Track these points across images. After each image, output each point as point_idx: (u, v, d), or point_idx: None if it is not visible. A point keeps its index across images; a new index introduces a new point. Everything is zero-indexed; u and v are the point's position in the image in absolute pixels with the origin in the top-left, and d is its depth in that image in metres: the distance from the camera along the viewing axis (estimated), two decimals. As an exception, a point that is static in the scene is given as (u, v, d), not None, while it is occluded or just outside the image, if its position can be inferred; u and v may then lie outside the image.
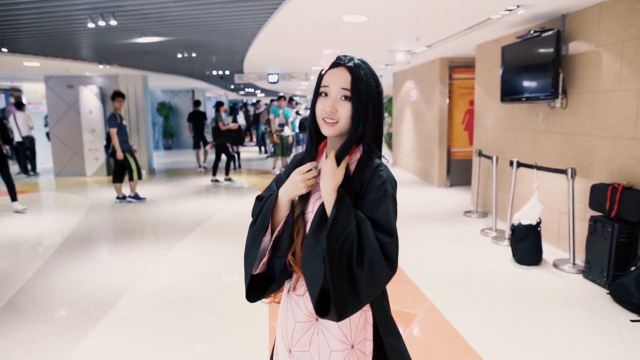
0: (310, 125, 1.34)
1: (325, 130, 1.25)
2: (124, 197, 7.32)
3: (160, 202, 7.40)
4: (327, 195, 1.19)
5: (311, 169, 1.24)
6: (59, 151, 10.63)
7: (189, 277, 4.10)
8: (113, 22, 4.66)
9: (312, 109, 1.30)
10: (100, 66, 8.64)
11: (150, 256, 4.67)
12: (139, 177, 7.20)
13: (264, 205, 1.31)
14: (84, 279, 4.07)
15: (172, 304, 3.51)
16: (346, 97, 1.23)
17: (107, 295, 3.68)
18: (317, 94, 1.27)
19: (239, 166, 11.46)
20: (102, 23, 4.64)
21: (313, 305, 1.15)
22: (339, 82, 1.23)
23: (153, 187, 8.98)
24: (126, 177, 7.22)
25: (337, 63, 1.24)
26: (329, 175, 1.20)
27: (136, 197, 7.38)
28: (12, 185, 6.60)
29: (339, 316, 1.12)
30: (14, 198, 6.66)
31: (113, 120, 6.86)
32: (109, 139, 6.97)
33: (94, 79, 10.56)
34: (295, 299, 1.32)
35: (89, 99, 10.29)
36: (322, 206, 1.21)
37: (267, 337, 2.96)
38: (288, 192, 1.26)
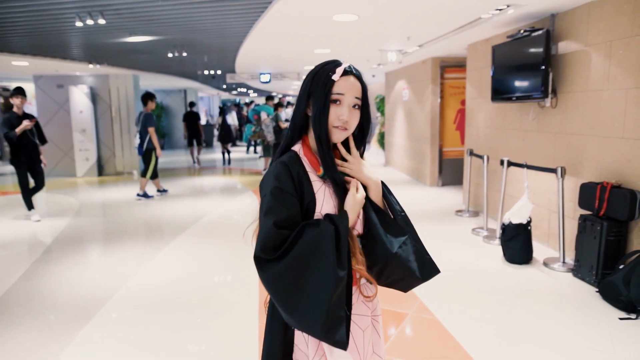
0: (295, 125, 1.33)
1: (337, 136, 1.28)
2: (165, 190, 7.97)
3: (152, 203, 7.35)
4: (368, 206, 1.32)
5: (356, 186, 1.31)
6: (48, 152, 10.50)
7: (180, 278, 4.07)
8: (102, 21, 4.62)
9: (320, 113, 1.25)
10: (90, 66, 8.56)
11: (141, 257, 4.63)
12: (153, 176, 7.57)
13: (340, 242, 1.19)
14: (72, 281, 4.03)
15: (163, 305, 3.49)
16: (357, 106, 1.28)
17: (96, 296, 3.65)
18: (326, 99, 1.25)
19: (229, 163, 12.18)
20: (90, 22, 4.60)
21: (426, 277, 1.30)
22: (353, 91, 1.27)
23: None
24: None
25: (347, 71, 1.27)
26: (376, 189, 1.34)
27: (145, 195, 7.66)
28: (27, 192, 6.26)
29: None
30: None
31: (152, 120, 7.26)
32: (142, 138, 7.27)
33: (84, 79, 10.47)
34: (360, 309, 1.32)
35: (80, 99, 10.21)
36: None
37: (258, 338, 2.94)
38: (353, 216, 1.27)
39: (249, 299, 3.55)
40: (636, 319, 3.06)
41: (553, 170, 4.11)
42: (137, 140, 7.35)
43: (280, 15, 4.62)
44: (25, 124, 5.79)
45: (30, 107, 13.08)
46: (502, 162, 4.83)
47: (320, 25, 5.14)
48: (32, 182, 6.21)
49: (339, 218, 1.22)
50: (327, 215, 1.23)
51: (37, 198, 8.35)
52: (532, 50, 4.44)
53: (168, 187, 8.83)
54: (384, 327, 3.11)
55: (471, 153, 5.98)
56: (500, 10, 4.33)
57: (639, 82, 3.44)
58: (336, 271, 1.14)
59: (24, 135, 5.86)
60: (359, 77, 1.29)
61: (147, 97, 7.30)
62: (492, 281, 3.83)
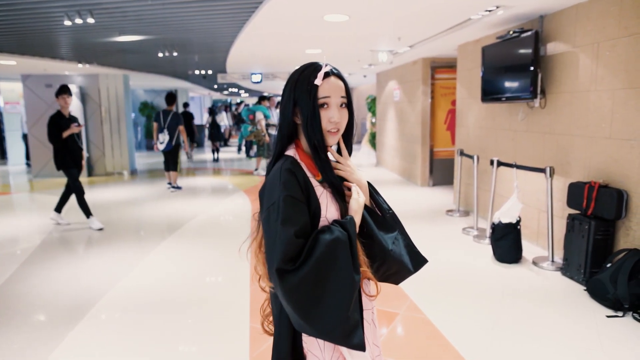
0: (283, 133, 1.32)
1: (332, 140, 1.29)
2: (169, 189, 8.34)
3: (142, 203, 7.30)
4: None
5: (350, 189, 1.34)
6: (37, 152, 10.41)
7: (170, 279, 4.05)
8: (91, 20, 4.58)
9: (311, 121, 1.25)
10: (80, 65, 8.48)
11: (131, 258, 4.60)
12: (172, 169, 8.32)
13: (353, 247, 1.22)
14: (62, 282, 3.99)
15: (153, 307, 3.46)
16: (343, 105, 1.29)
17: (86, 297, 3.62)
18: (314, 106, 1.24)
19: (217, 160, 13.12)
20: (79, 21, 4.56)
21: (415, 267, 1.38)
22: (337, 91, 1.27)
23: (135, 188, 8.86)
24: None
25: (327, 73, 1.27)
26: (366, 190, 1.37)
27: (177, 187, 8.38)
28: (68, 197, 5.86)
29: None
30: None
31: (180, 119, 8.00)
32: (172, 134, 7.94)
33: (74, 78, 10.37)
34: (364, 304, 1.34)
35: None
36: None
37: (249, 340, 2.94)
38: (358, 220, 1.29)
39: (240, 300, 3.54)
40: (623, 316, 3.10)
41: (542, 170, 4.15)
42: (166, 137, 7.92)
43: (271, 15, 4.62)
44: (74, 127, 5.49)
45: (18, 107, 12.95)
46: (492, 162, 4.87)
47: (311, 25, 5.14)
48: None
49: (349, 224, 1.23)
50: (336, 222, 1.24)
51: (24, 199, 8.26)
52: (521, 51, 4.49)
53: (160, 186, 8.78)
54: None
55: (461, 153, 6.02)
56: (489, 11, 4.36)
57: (625, 83, 3.49)
58: (353, 276, 1.16)
59: (71, 139, 5.52)
60: (339, 75, 1.29)
61: (173, 97, 8.17)
62: (482, 280, 3.86)
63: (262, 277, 1.32)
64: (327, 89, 1.25)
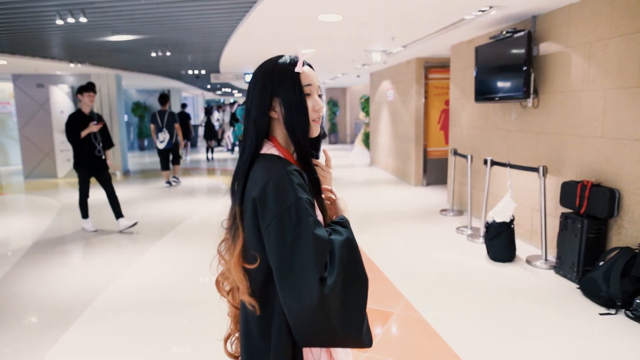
0: (259, 131, 1.19)
1: (315, 130, 1.22)
2: (172, 182, 8.91)
3: (135, 204, 7.26)
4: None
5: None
6: (28, 152, 10.31)
7: (165, 279, 4.03)
8: (83, 19, 4.54)
9: (298, 110, 1.18)
10: (71, 65, 8.41)
11: (125, 258, 4.57)
12: (172, 164, 9.02)
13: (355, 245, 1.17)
14: (54, 283, 3.95)
15: (147, 307, 3.44)
16: (319, 94, 1.26)
17: (79, 299, 3.59)
18: (301, 94, 1.17)
19: (212, 159, 13.44)
20: (71, 20, 4.52)
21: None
22: (315, 79, 1.23)
23: (128, 188, 8.81)
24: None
25: (303, 62, 1.23)
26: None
27: (178, 179, 9.12)
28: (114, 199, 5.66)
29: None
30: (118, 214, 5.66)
31: (175, 117, 8.66)
32: (171, 132, 8.52)
33: (65, 78, 10.28)
34: None
35: (60, 99, 10.02)
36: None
37: (244, 339, 2.92)
38: (349, 219, 1.28)
39: (234, 300, 3.52)
40: (615, 314, 3.13)
41: (535, 169, 4.18)
42: (166, 135, 8.46)
43: (265, 15, 4.61)
44: (92, 126, 5.27)
45: (9, 107, 12.82)
46: (485, 162, 4.89)
47: (305, 25, 5.14)
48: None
49: (348, 223, 1.21)
50: (336, 222, 1.21)
51: (16, 200, 8.18)
52: (514, 51, 4.51)
53: (151, 188, 8.74)
54: (370, 326, 3.12)
55: (455, 153, 6.04)
56: (483, 11, 4.38)
57: (617, 82, 3.52)
58: (366, 273, 1.13)
59: (86, 139, 5.29)
60: (309, 64, 1.25)
61: (166, 97, 8.71)
62: (476, 279, 3.88)
63: (242, 291, 1.14)
64: (307, 77, 1.20)
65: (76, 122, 5.25)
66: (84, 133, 5.25)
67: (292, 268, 1.02)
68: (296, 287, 1.01)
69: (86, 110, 5.33)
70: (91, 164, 5.40)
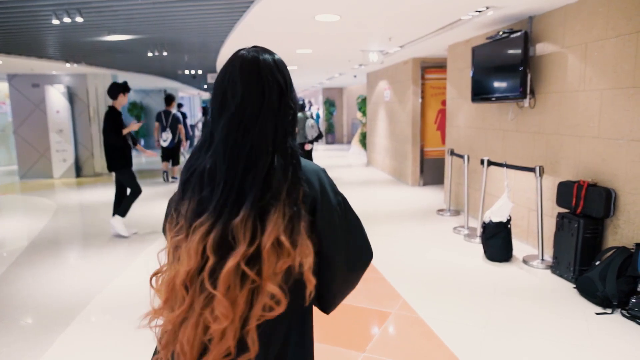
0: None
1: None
2: (170, 180, 9.26)
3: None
4: None
5: None
6: (24, 153, 10.26)
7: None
8: (79, 19, 4.53)
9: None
10: (67, 65, 8.38)
11: (121, 260, 4.55)
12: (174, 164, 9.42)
13: None
14: (51, 284, 3.94)
15: (145, 308, 3.43)
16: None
17: (75, 299, 3.57)
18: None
19: None
20: (67, 20, 4.50)
21: None
22: None
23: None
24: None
25: None
26: None
27: (177, 179, 9.18)
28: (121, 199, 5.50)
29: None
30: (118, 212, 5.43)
31: (179, 118, 9.11)
32: (174, 133, 9.00)
33: (61, 78, 10.24)
34: None
35: (56, 99, 9.98)
36: None
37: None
38: None
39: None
40: (612, 313, 3.14)
41: (532, 170, 4.19)
42: (169, 135, 8.91)
43: (262, 14, 4.60)
44: (133, 125, 5.23)
45: (4, 107, 12.76)
46: (482, 162, 4.90)
47: (302, 25, 5.14)
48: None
49: None
50: None
51: (11, 200, 8.14)
52: (511, 51, 4.52)
53: (146, 188, 8.71)
54: (367, 326, 3.13)
55: (452, 153, 6.05)
56: (479, 12, 4.39)
57: (613, 83, 3.54)
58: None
59: (124, 138, 5.21)
60: None
61: (172, 97, 9.15)
62: (473, 279, 3.88)
63: (281, 307, 0.96)
64: None
65: (118, 120, 5.12)
66: (126, 130, 5.17)
67: (364, 242, 1.17)
68: (367, 247, 1.18)
69: (119, 108, 5.25)
70: (131, 162, 5.31)
